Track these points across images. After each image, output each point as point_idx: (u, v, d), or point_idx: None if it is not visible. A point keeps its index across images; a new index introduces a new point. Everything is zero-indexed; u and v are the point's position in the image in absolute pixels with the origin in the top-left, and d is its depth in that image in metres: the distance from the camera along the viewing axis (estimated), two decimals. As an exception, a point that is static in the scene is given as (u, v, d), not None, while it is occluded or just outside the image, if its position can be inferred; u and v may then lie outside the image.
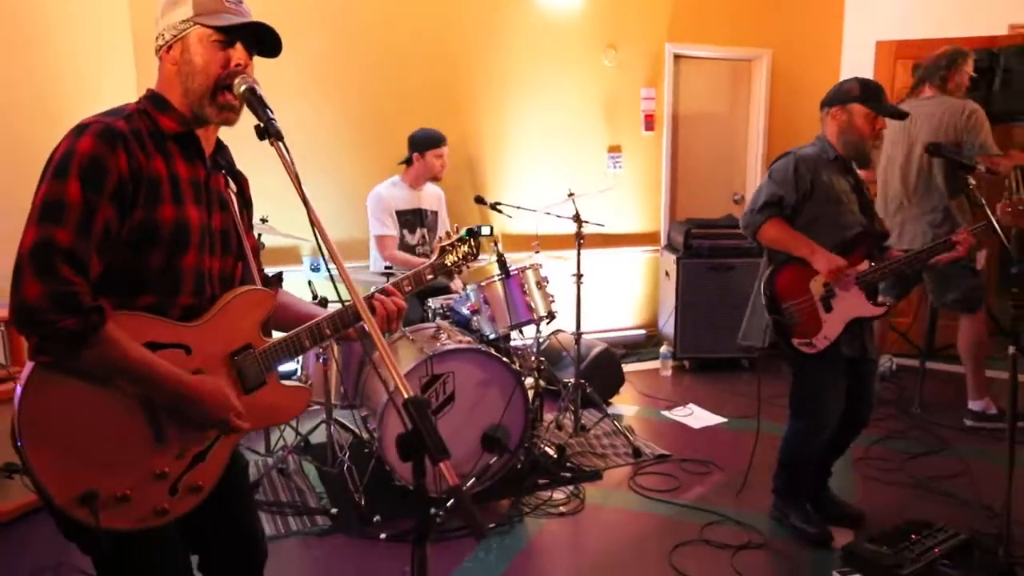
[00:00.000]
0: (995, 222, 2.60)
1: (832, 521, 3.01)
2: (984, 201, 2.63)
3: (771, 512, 3.12)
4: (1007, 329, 5.43)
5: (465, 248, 1.93)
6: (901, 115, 2.86)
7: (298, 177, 1.34)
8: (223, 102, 1.48)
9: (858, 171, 2.98)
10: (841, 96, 2.86)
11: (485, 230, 2.06)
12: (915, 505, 3.22)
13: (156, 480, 1.46)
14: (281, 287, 1.84)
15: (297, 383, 1.72)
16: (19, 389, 1.36)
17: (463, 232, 1.93)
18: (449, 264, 1.91)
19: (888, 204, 4.29)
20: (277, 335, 1.67)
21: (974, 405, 4.16)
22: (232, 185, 1.67)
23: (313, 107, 4.74)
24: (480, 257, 2.03)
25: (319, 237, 1.29)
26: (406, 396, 1.12)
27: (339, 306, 1.67)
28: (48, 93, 3.57)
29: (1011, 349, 2.40)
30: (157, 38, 1.51)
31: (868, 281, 2.81)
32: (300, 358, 3.65)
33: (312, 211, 1.31)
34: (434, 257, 1.91)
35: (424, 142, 4.04)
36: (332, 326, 1.66)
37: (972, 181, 2.67)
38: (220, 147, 1.64)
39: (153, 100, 1.51)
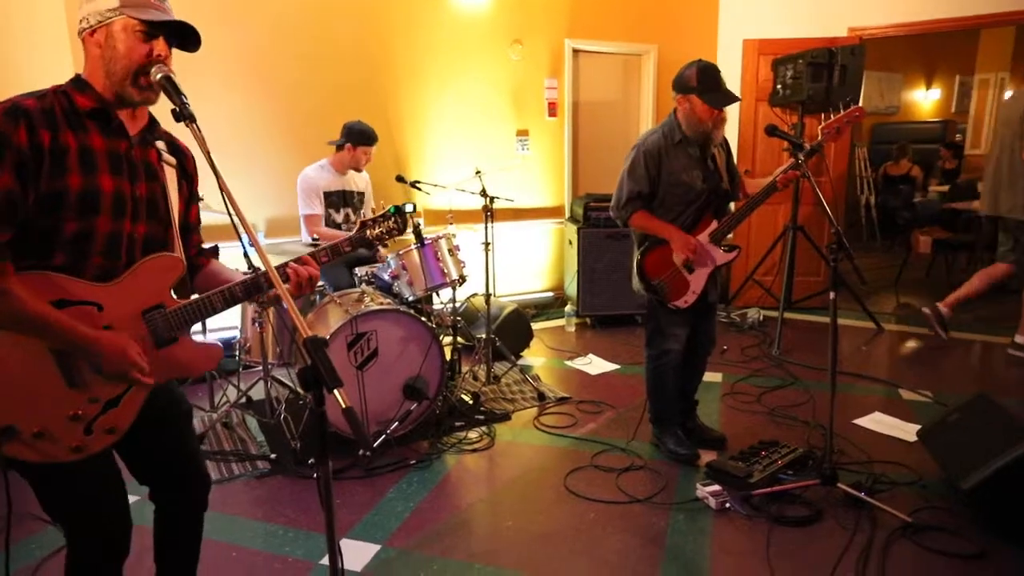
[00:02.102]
0: (818, 191, 2.78)
1: (700, 445, 3.22)
2: (810, 175, 2.80)
3: (651, 440, 3.32)
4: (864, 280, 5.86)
5: (390, 223, 1.87)
6: (733, 99, 2.87)
7: (209, 153, 1.37)
8: (144, 84, 1.49)
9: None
10: (683, 85, 2.88)
11: (408, 207, 1.98)
12: (767, 428, 3.47)
13: (71, 421, 1.46)
14: (216, 258, 1.85)
15: (209, 341, 1.72)
16: None
17: (389, 209, 1.89)
18: (370, 237, 1.86)
19: (992, 176, 4.58)
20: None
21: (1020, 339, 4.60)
22: (169, 159, 1.65)
23: (244, 95, 4.63)
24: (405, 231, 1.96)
25: (229, 205, 1.33)
26: (305, 336, 1.19)
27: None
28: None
29: (831, 295, 2.62)
30: (81, 21, 1.48)
31: (719, 236, 2.99)
32: (239, 322, 3.65)
33: (222, 180, 1.34)
34: (355, 231, 1.88)
35: (358, 137, 3.97)
36: (244, 290, 1.65)
37: (801, 157, 2.83)
38: (152, 125, 1.62)
39: (74, 81, 1.51)
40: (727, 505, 2.72)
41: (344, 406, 1.12)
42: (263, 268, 1.49)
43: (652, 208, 3.00)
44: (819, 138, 2.91)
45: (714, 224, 2.99)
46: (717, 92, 2.84)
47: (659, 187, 2.97)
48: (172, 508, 1.84)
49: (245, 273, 1.70)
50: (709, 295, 3.07)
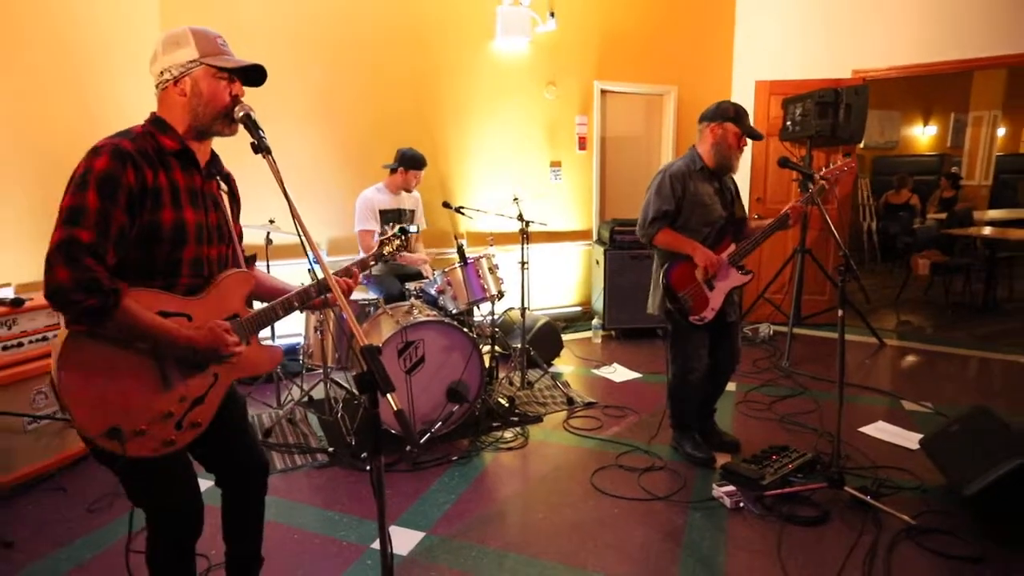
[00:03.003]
0: (827, 217, 2.71)
1: (716, 448, 3.14)
2: (820, 203, 2.72)
3: (671, 443, 3.24)
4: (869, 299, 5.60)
5: (398, 242, 2.09)
6: (758, 136, 2.91)
7: (282, 182, 1.38)
8: (231, 120, 1.53)
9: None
10: (720, 114, 2.88)
11: (412, 229, 2.22)
12: (778, 434, 3.37)
13: (165, 418, 1.49)
14: (254, 266, 1.87)
15: (272, 344, 1.77)
16: (55, 354, 1.39)
17: (396, 230, 2.10)
18: (385, 253, 2.05)
19: None
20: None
21: None
22: (223, 186, 1.69)
23: (314, 130, 4.72)
24: (419, 248, 2.14)
25: (298, 226, 1.34)
26: (362, 344, 1.18)
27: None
28: (96, 117, 3.51)
29: (839, 312, 2.53)
30: (163, 73, 1.51)
31: (737, 258, 2.93)
32: (303, 330, 3.69)
33: (292, 204, 1.36)
34: (375, 249, 2.07)
35: (410, 162, 4.04)
36: (300, 299, 1.72)
37: (812, 186, 2.77)
38: (214, 158, 1.65)
39: (156, 123, 1.52)
40: (741, 505, 2.64)
41: (396, 409, 1.11)
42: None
43: (676, 228, 2.95)
44: (821, 183, 2.83)
45: (733, 247, 2.93)
46: (748, 124, 2.90)
47: (683, 206, 2.92)
48: (235, 494, 1.86)
49: (303, 284, 1.77)
50: (728, 315, 3.00)
